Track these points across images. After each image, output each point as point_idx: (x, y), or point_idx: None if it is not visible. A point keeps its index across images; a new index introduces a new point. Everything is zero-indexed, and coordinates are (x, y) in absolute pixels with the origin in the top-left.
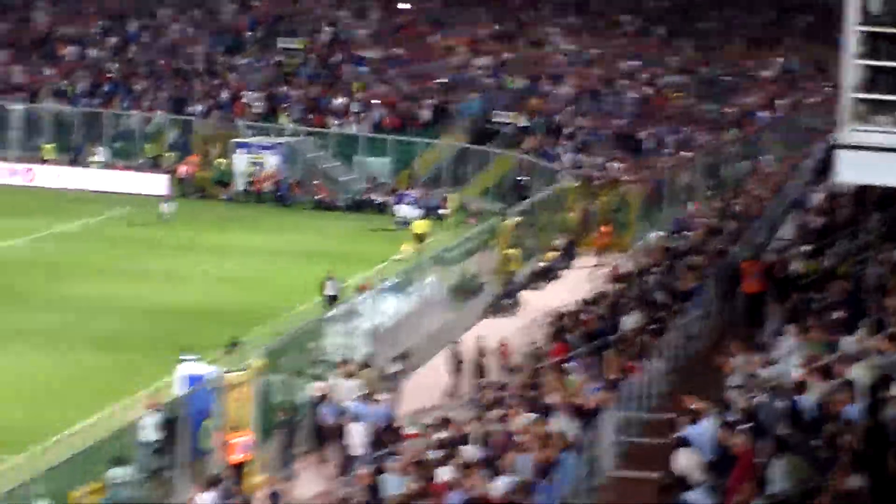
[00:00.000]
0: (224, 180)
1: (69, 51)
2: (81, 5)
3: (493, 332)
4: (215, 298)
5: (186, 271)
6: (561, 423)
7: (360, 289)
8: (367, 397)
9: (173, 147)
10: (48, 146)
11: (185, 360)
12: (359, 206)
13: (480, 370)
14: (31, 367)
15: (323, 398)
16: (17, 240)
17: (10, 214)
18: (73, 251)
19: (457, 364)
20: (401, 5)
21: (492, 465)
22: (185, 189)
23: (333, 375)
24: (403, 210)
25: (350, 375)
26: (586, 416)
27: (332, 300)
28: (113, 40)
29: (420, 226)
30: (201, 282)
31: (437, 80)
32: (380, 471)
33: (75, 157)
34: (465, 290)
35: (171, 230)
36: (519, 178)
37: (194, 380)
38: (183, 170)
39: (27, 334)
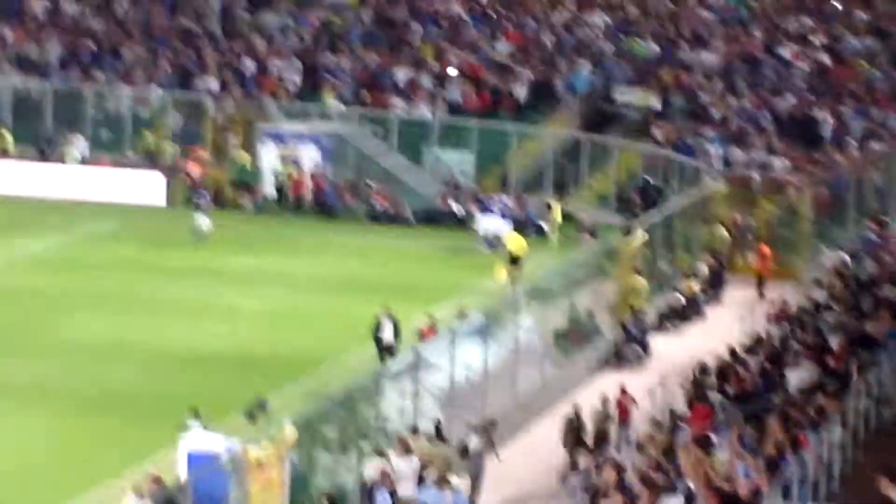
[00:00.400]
0: (247, 182)
1: (38, 5)
2: None
3: (610, 391)
4: (236, 342)
5: (198, 306)
6: None
7: (426, 332)
8: (439, 482)
9: (177, 137)
10: (6, 134)
11: (191, 428)
12: (431, 217)
13: (601, 442)
14: (1, 435)
15: (379, 482)
16: None
17: None
18: (47, 279)
19: (573, 435)
20: None
21: None
22: (193, 194)
23: (393, 451)
24: (490, 223)
25: (414, 451)
26: None
27: (390, 347)
28: None
29: (515, 244)
30: (218, 319)
31: (538, 45)
32: None
33: (45, 150)
34: (574, 335)
35: (177, 250)
36: (648, 180)
37: (202, 458)
38: (191, 168)
39: (10, 390)
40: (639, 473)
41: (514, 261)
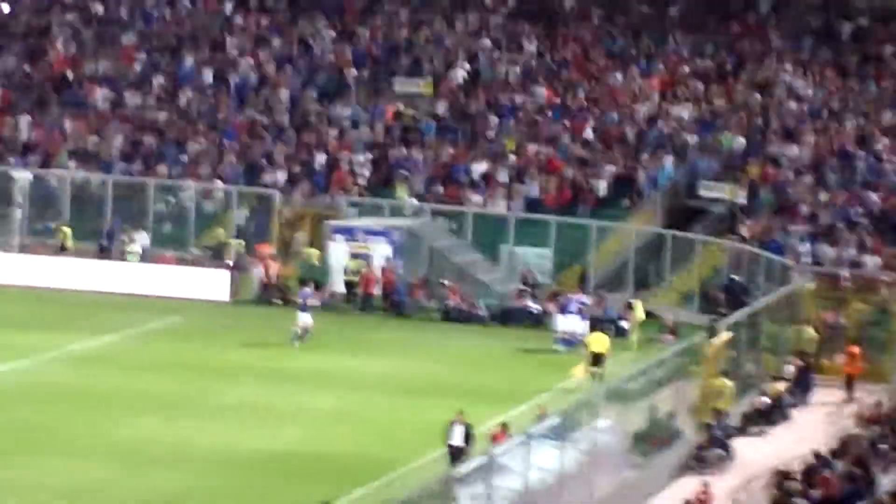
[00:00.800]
0: (316, 279)
1: (99, 95)
2: (117, 31)
3: (693, 496)
4: (303, 445)
5: (264, 406)
6: None
7: (498, 437)
8: None
9: (242, 232)
10: (66, 230)
11: None
12: (507, 316)
13: None
14: None
15: None
16: (24, 360)
17: (13, 325)
18: (105, 377)
19: None
20: (566, 31)
21: None
22: (260, 292)
23: None
24: (569, 323)
25: None
26: None
27: (460, 452)
28: (159, 81)
29: (597, 342)
30: (284, 421)
31: (620, 138)
32: None
33: (106, 245)
34: (654, 438)
35: (242, 349)
36: (733, 278)
37: None
38: (261, 267)
39: (50, 490)
40: None
41: (596, 359)
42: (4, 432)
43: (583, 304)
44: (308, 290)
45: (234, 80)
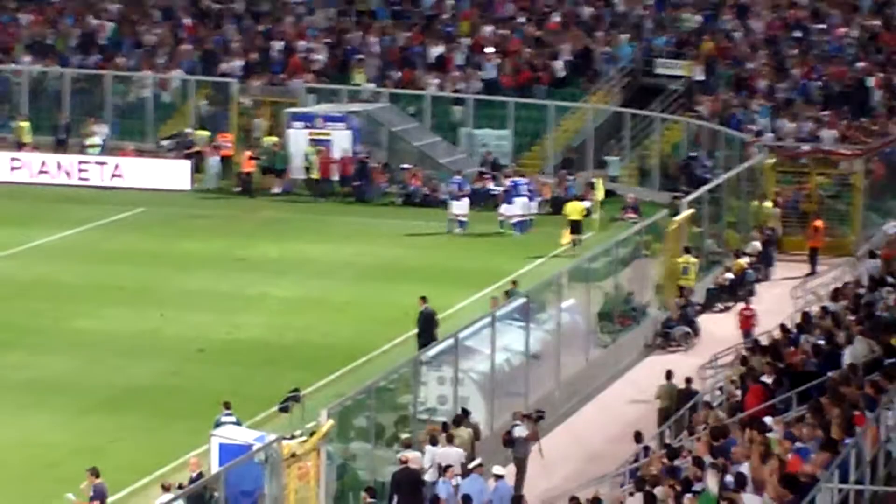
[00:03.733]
0: (276, 166)
1: None
2: None
3: (657, 373)
4: (267, 332)
5: (228, 295)
6: (758, 502)
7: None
8: (481, 471)
9: (202, 122)
10: (24, 124)
11: (224, 421)
12: (468, 198)
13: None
14: (27, 433)
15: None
16: None
17: None
18: (69, 270)
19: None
20: None
21: None
22: (218, 180)
23: (439, 441)
24: (513, 208)
25: (454, 440)
26: (794, 489)
27: (429, 333)
28: None
29: (573, 209)
30: (248, 309)
31: (576, 17)
32: None
33: (64, 138)
34: (619, 317)
35: (203, 239)
36: (694, 154)
37: (236, 450)
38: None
39: (23, 387)
40: (691, 456)
41: (574, 226)
42: None
43: (528, 186)
44: (458, 178)
45: None
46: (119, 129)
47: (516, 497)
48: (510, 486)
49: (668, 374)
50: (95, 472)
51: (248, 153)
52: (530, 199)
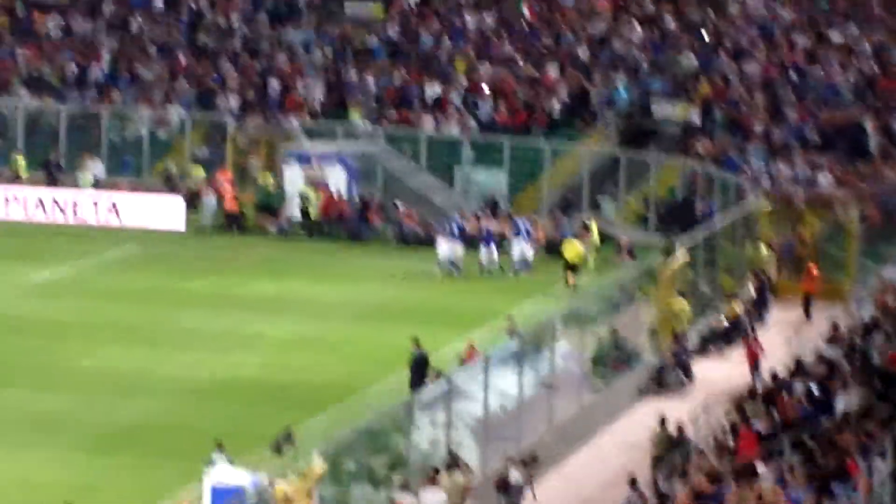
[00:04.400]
0: (272, 205)
1: (49, 22)
2: None
3: (651, 418)
4: (261, 372)
5: (222, 334)
6: None
7: (468, 356)
8: None
9: (197, 159)
10: (20, 158)
11: (216, 462)
12: (463, 238)
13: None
14: (16, 471)
15: None
16: None
17: None
18: (63, 308)
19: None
20: None
21: None
22: (214, 219)
23: (424, 485)
24: (516, 250)
25: (439, 484)
26: None
27: (421, 376)
28: (111, 7)
29: (571, 251)
30: (242, 349)
31: (572, 58)
32: None
33: (57, 173)
34: (613, 361)
35: (199, 277)
36: (689, 198)
37: (228, 492)
38: (217, 194)
39: (15, 424)
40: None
41: (571, 268)
42: None
43: (526, 228)
44: (456, 219)
45: (184, 4)
46: (114, 166)
47: None
48: None
49: (662, 421)
50: None
51: (231, 192)
52: (526, 240)
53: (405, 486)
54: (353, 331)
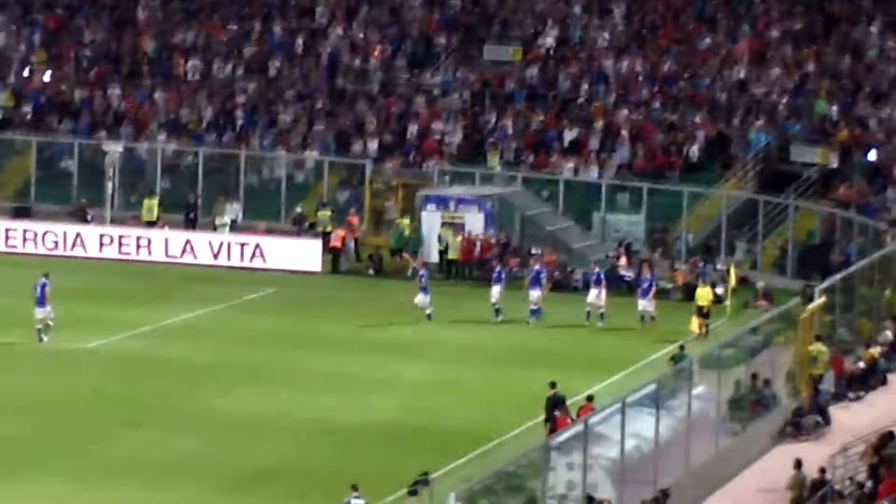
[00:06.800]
0: (410, 248)
1: (188, 67)
2: (205, 1)
3: (788, 463)
4: (397, 415)
5: (358, 378)
6: None
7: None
8: None
9: (336, 203)
10: (151, 201)
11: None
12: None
13: None
14: None
15: None
16: (119, 334)
17: (106, 300)
18: (200, 350)
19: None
20: None
21: None
22: (349, 262)
23: None
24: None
25: None
26: None
27: (554, 418)
28: (249, 51)
29: (703, 295)
30: (379, 392)
31: (711, 103)
32: None
33: (194, 216)
34: (750, 404)
35: (335, 320)
36: (827, 242)
37: None
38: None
39: (152, 466)
40: None
41: (702, 313)
42: (101, 408)
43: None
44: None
45: (323, 48)
46: (251, 209)
47: None
48: None
49: (798, 463)
50: None
51: (342, 231)
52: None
53: None
54: (491, 374)
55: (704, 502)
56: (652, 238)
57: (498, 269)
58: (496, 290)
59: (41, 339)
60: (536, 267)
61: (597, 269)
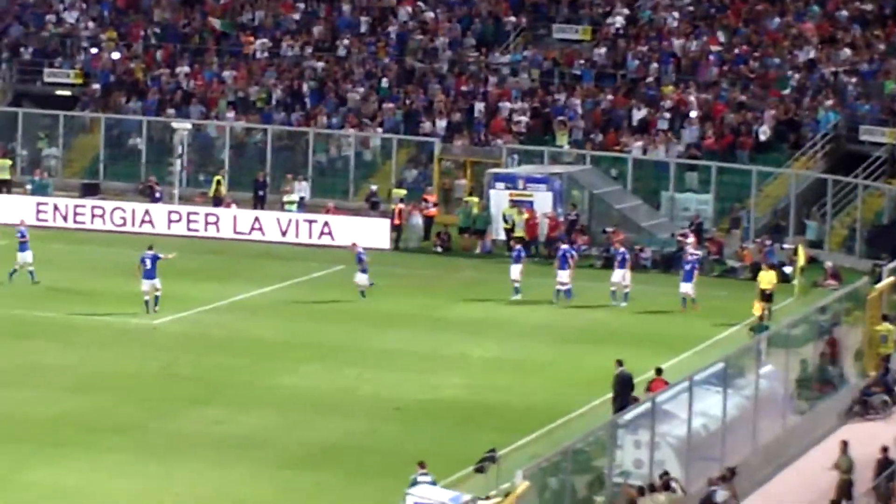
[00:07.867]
0: (477, 227)
1: (256, 45)
2: None
3: (858, 442)
4: (465, 393)
5: (426, 355)
6: None
7: (654, 385)
8: None
9: (403, 181)
10: (219, 178)
11: (419, 481)
12: (669, 262)
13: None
14: (220, 487)
15: None
16: (187, 311)
17: (176, 276)
18: (269, 326)
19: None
20: None
21: None
22: (416, 239)
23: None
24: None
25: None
26: None
27: (625, 396)
28: (317, 30)
29: (765, 279)
30: (447, 369)
31: (780, 83)
32: None
33: (263, 194)
34: (817, 384)
35: (403, 297)
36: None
37: None
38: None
39: (220, 442)
40: None
41: (765, 296)
42: (169, 384)
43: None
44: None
45: (392, 27)
46: (319, 187)
47: None
48: None
49: (844, 445)
50: None
51: (401, 206)
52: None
53: None
54: (558, 352)
55: (771, 480)
56: (728, 217)
57: (563, 248)
58: (565, 273)
59: (154, 310)
60: (621, 249)
61: (622, 249)
